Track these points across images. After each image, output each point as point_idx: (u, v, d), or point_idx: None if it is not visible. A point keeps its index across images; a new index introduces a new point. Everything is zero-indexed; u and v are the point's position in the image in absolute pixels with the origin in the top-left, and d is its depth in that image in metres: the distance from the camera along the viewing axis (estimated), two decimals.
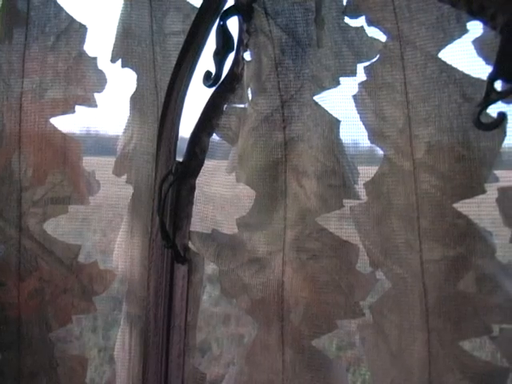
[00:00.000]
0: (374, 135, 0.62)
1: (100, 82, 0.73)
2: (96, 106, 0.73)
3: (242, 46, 0.68)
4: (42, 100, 0.72)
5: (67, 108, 0.72)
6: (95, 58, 0.73)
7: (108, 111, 0.76)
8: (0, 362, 0.73)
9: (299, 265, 0.65)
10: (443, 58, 0.57)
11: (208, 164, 0.69)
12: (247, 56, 0.68)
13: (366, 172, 0.65)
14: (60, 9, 0.72)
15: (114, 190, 0.75)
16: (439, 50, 0.57)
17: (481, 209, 0.58)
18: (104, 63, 0.75)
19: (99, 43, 0.78)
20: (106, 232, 0.77)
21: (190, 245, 0.69)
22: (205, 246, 0.68)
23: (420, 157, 0.59)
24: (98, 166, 0.75)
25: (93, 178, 0.74)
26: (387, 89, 0.61)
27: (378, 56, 0.62)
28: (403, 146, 0.59)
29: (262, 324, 0.67)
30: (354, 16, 0.63)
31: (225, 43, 0.66)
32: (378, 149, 0.64)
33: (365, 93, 0.62)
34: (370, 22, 0.62)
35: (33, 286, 0.72)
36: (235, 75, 0.68)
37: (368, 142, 0.64)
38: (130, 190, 0.73)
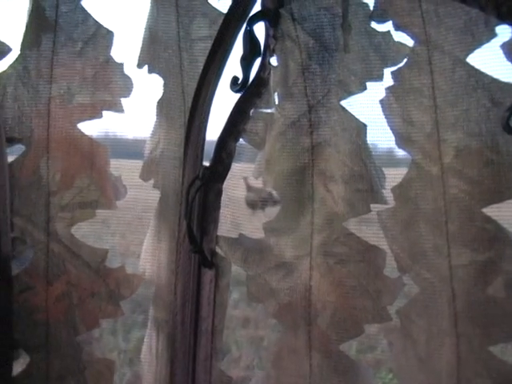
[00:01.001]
0: (402, 140, 0.63)
1: (126, 87, 0.75)
2: (123, 111, 0.75)
3: (269, 51, 0.69)
4: (70, 105, 0.74)
5: (94, 113, 0.74)
6: (122, 64, 0.75)
7: (134, 116, 0.78)
8: (28, 364, 0.74)
9: (326, 269, 0.66)
10: (471, 63, 0.58)
11: (235, 169, 0.70)
12: (273, 61, 0.69)
13: (393, 176, 0.67)
14: (87, 15, 0.74)
15: (140, 195, 0.77)
16: (467, 55, 0.58)
17: (510, 213, 0.59)
18: (130, 69, 0.76)
19: (125, 49, 0.80)
20: (133, 236, 0.79)
21: (217, 249, 0.70)
22: (232, 250, 0.69)
23: (448, 161, 0.59)
24: (125, 170, 0.76)
25: (120, 182, 0.75)
26: (415, 93, 0.62)
27: (405, 61, 0.63)
28: (431, 150, 0.60)
29: (289, 328, 0.68)
30: (381, 21, 0.64)
31: (252, 48, 0.67)
32: (403, 153, 0.66)
33: (392, 97, 0.63)
34: (397, 27, 0.63)
35: (61, 289, 0.74)
36: (262, 80, 0.69)
37: (395, 146, 0.65)
38: (157, 194, 0.74)
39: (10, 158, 0.74)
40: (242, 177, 0.71)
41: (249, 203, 0.73)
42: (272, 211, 0.69)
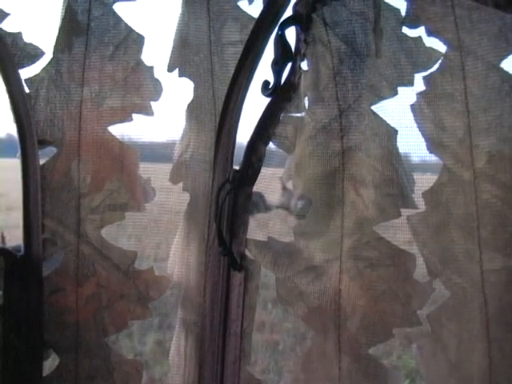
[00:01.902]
0: (433, 145, 0.63)
1: (156, 90, 0.76)
2: (152, 114, 0.76)
3: (299, 55, 0.70)
4: (101, 108, 0.75)
5: (125, 116, 0.75)
6: (152, 67, 0.76)
7: (163, 119, 0.79)
8: (58, 365, 0.76)
9: (356, 273, 0.67)
10: (505, 68, 0.59)
11: (264, 172, 0.71)
12: (304, 66, 0.70)
13: (422, 181, 0.67)
14: (119, 19, 0.75)
15: (169, 197, 0.78)
16: (501, 60, 0.59)
17: None
18: (160, 72, 0.78)
19: (155, 52, 0.81)
20: (161, 239, 0.80)
21: (247, 252, 0.71)
22: (261, 253, 0.70)
23: (480, 166, 0.60)
24: (154, 173, 0.78)
25: (148, 185, 0.77)
26: (447, 99, 0.62)
27: (437, 66, 0.63)
28: (463, 155, 0.61)
29: (318, 331, 0.69)
30: (413, 26, 0.65)
31: (283, 53, 0.68)
32: (433, 158, 0.66)
33: (423, 102, 0.64)
34: (429, 32, 0.64)
35: (90, 291, 0.75)
36: (292, 84, 0.70)
37: (425, 151, 0.66)
38: (186, 197, 0.75)
39: (42, 161, 0.75)
40: (271, 181, 0.72)
41: (281, 206, 0.74)
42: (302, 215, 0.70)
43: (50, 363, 0.76)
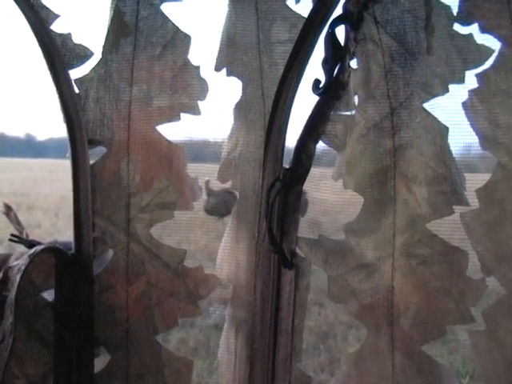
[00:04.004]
0: (487, 142, 0.65)
1: (203, 90, 0.78)
2: (200, 113, 0.78)
3: (349, 53, 0.71)
4: (150, 108, 0.77)
5: (173, 115, 0.77)
6: (198, 67, 0.78)
7: (210, 118, 0.80)
8: (109, 362, 0.78)
9: (409, 270, 0.68)
10: None
11: (314, 171, 0.73)
12: (353, 64, 0.72)
13: (473, 179, 0.69)
14: (166, 19, 0.77)
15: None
16: None
17: None
18: (205, 71, 0.79)
19: (200, 52, 0.83)
20: (210, 237, 0.82)
21: (297, 250, 0.73)
22: (312, 251, 0.72)
23: None
24: (201, 172, 0.79)
25: (196, 184, 0.78)
26: (502, 95, 0.64)
27: (491, 63, 0.65)
28: None
29: (370, 329, 0.70)
30: (466, 23, 0.66)
31: (334, 52, 0.70)
32: (483, 155, 0.68)
33: (476, 100, 0.66)
34: (482, 29, 0.65)
35: (140, 289, 0.77)
36: (341, 83, 0.72)
37: (478, 148, 0.67)
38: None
39: (92, 160, 0.77)
40: (322, 179, 0.74)
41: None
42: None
43: (101, 360, 0.78)
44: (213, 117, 0.81)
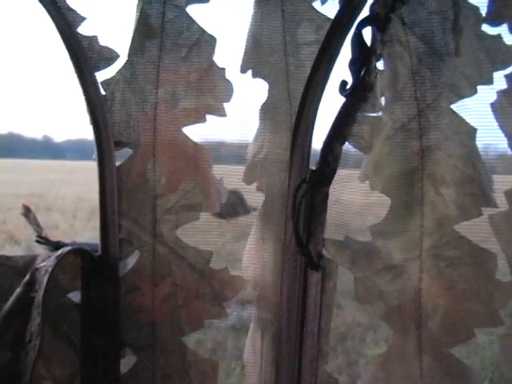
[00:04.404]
0: None
1: (228, 91, 0.78)
2: (225, 115, 0.78)
3: (375, 55, 0.72)
4: (175, 110, 0.78)
5: (198, 117, 0.78)
6: (224, 69, 0.78)
7: (235, 120, 0.81)
8: (135, 364, 0.78)
9: (437, 272, 0.68)
10: None
11: (341, 172, 0.73)
12: (379, 65, 0.72)
13: (502, 180, 0.69)
14: (192, 21, 0.78)
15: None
16: None
17: None
18: (230, 73, 0.80)
19: (224, 53, 0.83)
20: (236, 238, 0.82)
21: (324, 252, 0.73)
22: (339, 252, 0.72)
23: None
24: (227, 173, 0.80)
25: (222, 185, 0.79)
26: None
27: None
28: None
29: (398, 331, 0.70)
30: (495, 24, 0.66)
31: (361, 53, 0.70)
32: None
33: (505, 101, 0.66)
34: None
35: (166, 290, 0.78)
36: (368, 84, 0.72)
37: (507, 149, 0.67)
38: (260, 197, 0.78)
39: (118, 162, 0.78)
40: (348, 181, 0.74)
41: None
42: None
43: (127, 362, 0.79)
44: (238, 118, 0.81)
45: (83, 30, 0.77)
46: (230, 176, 0.81)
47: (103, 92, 0.78)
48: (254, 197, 0.79)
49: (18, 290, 0.71)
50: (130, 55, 0.78)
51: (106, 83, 0.78)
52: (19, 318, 0.70)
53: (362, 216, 0.75)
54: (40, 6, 0.76)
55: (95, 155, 0.77)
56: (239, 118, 0.81)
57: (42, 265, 0.73)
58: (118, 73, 0.78)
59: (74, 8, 0.77)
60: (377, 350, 2.94)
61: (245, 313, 0.83)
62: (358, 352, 2.87)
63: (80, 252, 0.77)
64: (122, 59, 0.79)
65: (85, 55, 0.77)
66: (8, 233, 4.95)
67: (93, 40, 0.77)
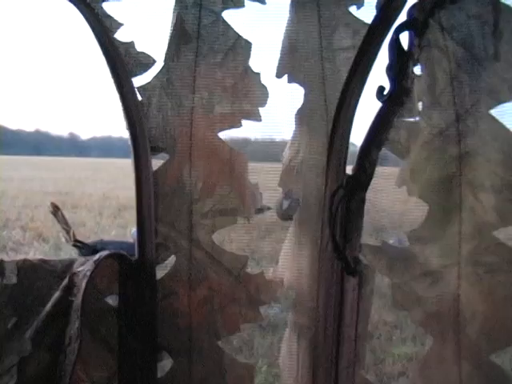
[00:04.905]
0: None
1: (263, 96, 0.79)
2: (260, 119, 0.79)
3: (412, 60, 0.72)
4: (211, 115, 0.79)
5: (234, 122, 0.79)
6: (259, 74, 0.79)
7: (269, 124, 0.81)
8: (172, 367, 0.79)
9: (476, 279, 0.68)
10: None
11: (377, 178, 0.73)
12: (417, 70, 0.72)
13: None
14: (228, 27, 0.78)
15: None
16: None
17: None
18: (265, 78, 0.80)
19: (260, 58, 0.84)
20: (270, 243, 0.83)
21: (361, 257, 0.73)
22: (376, 258, 0.73)
23: None
24: (262, 177, 0.80)
25: (257, 190, 0.80)
26: None
27: None
28: None
29: (436, 337, 0.71)
30: None
31: (398, 58, 0.70)
32: None
33: None
34: None
35: (202, 295, 0.79)
36: (404, 89, 0.72)
37: None
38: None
39: (154, 167, 0.79)
40: (385, 186, 0.74)
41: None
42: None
43: (164, 365, 0.80)
44: (273, 122, 0.81)
45: (120, 36, 0.78)
46: (264, 176, 0.81)
47: (140, 97, 0.79)
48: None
49: (57, 294, 0.73)
50: (166, 61, 0.79)
51: (142, 89, 0.79)
52: (58, 322, 0.72)
53: (399, 221, 0.75)
54: (78, 11, 0.77)
55: (132, 160, 0.78)
56: (274, 121, 0.82)
57: (80, 269, 0.75)
58: (154, 78, 0.79)
59: (111, 14, 0.77)
60: (403, 348, 2.93)
61: (271, 311, 0.84)
62: (385, 351, 2.86)
63: (117, 256, 0.78)
64: (159, 65, 0.79)
65: (122, 61, 0.78)
66: (36, 230, 5.00)
67: (129, 46, 0.78)
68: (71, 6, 0.76)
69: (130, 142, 0.78)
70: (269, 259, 0.86)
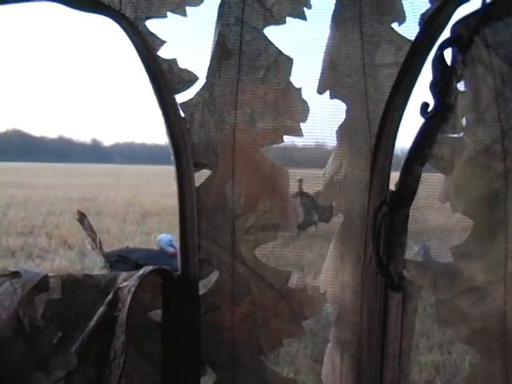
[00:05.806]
0: None
1: (304, 112, 0.80)
2: (302, 135, 0.80)
3: (456, 76, 0.72)
4: (253, 131, 0.80)
5: (276, 138, 0.80)
6: (300, 89, 0.80)
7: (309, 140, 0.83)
8: (215, 382, 0.81)
9: None
10: None
11: (421, 193, 0.74)
12: (460, 86, 0.73)
13: None
14: (269, 43, 0.80)
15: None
16: None
17: None
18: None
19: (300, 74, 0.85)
20: (312, 258, 0.84)
21: (405, 273, 0.74)
22: (420, 274, 0.73)
23: None
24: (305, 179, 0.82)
25: (298, 204, 0.81)
26: None
27: None
28: None
29: (482, 354, 0.71)
30: None
31: (442, 75, 0.71)
32: None
33: None
34: None
35: (245, 309, 0.80)
36: (447, 105, 0.73)
37: None
38: (339, 217, 0.79)
39: (197, 183, 0.80)
40: (429, 202, 0.75)
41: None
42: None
43: (207, 380, 0.81)
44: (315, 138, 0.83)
45: (163, 53, 0.80)
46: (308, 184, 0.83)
47: (182, 114, 0.80)
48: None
49: (102, 309, 0.74)
50: (208, 77, 0.81)
51: (185, 105, 0.81)
52: (103, 337, 0.74)
53: (443, 237, 0.76)
54: (121, 30, 0.79)
55: (175, 177, 0.80)
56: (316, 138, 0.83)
57: (124, 284, 0.76)
58: (196, 95, 0.81)
59: (154, 32, 0.79)
60: (430, 356, 2.92)
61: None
62: (412, 359, 2.85)
63: (161, 271, 0.80)
64: (201, 81, 0.81)
65: (164, 78, 0.79)
66: (61, 237, 5.06)
67: (172, 63, 0.80)
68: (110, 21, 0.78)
69: (172, 158, 0.80)
70: (311, 274, 0.87)
